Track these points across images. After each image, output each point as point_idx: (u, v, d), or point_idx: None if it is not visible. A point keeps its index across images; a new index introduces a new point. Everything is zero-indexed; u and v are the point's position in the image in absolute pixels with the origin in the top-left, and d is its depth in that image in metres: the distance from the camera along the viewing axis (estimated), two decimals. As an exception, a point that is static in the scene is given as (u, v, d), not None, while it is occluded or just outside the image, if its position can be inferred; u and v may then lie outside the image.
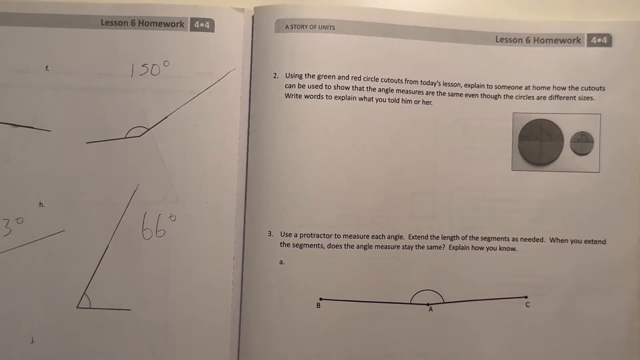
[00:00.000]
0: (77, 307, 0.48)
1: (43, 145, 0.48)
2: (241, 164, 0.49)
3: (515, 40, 0.49)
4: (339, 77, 0.48)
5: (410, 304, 0.48)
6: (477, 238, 0.49)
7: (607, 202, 0.49)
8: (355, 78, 0.48)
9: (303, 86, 0.48)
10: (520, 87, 0.49)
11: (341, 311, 0.48)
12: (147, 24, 0.49)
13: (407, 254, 0.48)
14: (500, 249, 0.49)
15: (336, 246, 0.48)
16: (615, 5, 0.51)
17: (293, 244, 0.48)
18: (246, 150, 0.49)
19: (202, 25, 0.49)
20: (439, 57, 0.49)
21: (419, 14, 0.49)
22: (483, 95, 0.49)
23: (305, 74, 0.48)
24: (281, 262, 0.48)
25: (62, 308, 0.48)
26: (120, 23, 0.49)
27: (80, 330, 0.48)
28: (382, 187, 0.48)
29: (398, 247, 0.48)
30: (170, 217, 0.48)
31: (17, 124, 0.48)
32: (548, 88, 0.49)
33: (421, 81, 0.49)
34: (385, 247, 0.48)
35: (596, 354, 0.48)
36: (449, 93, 0.49)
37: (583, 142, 0.49)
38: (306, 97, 0.48)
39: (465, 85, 0.49)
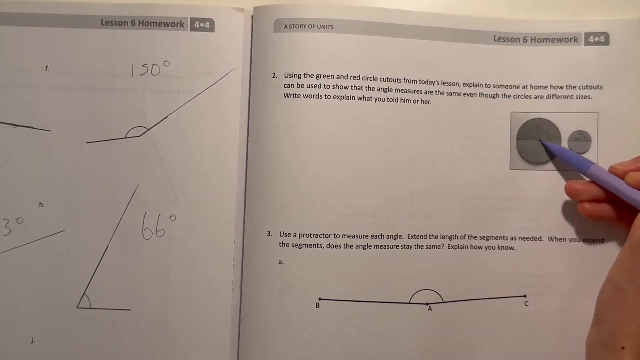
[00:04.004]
0: (77, 307, 0.48)
1: (43, 145, 0.48)
2: (241, 164, 0.49)
3: (512, 40, 0.50)
4: (338, 77, 0.48)
5: (410, 303, 0.48)
6: (475, 237, 0.49)
7: (606, 200, 0.49)
8: (354, 77, 0.48)
9: (302, 86, 0.48)
10: (518, 87, 0.50)
11: (340, 311, 0.48)
12: (147, 24, 0.49)
13: (406, 253, 0.48)
14: (498, 248, 0.49)
15: (335, 246, 0.48)
16: (612, 4, 0.51)
17: (292, 244, 0.48)
18: (246, 150, 0.49)
19: (202, 25, 0.49)
20: (437, 56, 0.49)
21: (418, 13, 0.49)
22: (481, 94, 0.49)
23: (304, 74, 0.48)
24: (280, 262, 0.48)
25: (62, 308, 0.48)
26: (120, 23, 0.49)
27: (80, 330, 0.48)
28: (381, 187, 0.48)
29: (397, 246, 0.48)
30: (170, 217, 0.48)
31: (17, 124, 0.48)
32: (546, 87, 0.49)
33: (420, 80, 0.49)
34: (384, 247, 0.48)
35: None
36: (447, 92, 0.49)
37: (581, 141, 0.49)
38: (305, 96, 0.48)
39: (463, 84, 0.49)
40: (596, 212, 0.46)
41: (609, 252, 0.48)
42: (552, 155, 0.49)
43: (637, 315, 0.40)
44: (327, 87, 0.48)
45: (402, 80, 0.49)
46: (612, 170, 0.46)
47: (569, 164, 0.48)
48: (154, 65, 0.49)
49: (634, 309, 0.41)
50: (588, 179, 0.47)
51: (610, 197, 0.46)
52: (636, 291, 0.41)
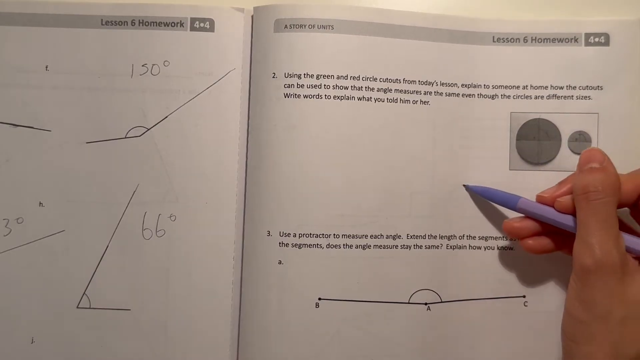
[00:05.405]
0: (77, 307, 0.48)
1: (43, 145, 0.48)
2: (241, 164, 0.49)
3: (512, 40, 0.50)
4: (338, 77, 0.48)
5: (409, 303, 0.48)
6: (474, 237, 0.49)
7: (605, 200, 0.49)
8: (353, 78, 0.48)
9: (302, 86, 0.48)
10: (517, 87, 0.49)
11: (340, 311, 0.48)
12: (147, 24, 0.49)
13: (405, 253, 0.48)
14: (498, 248, 0.49)
15: (335, 246, 0.48)
16: (612, 5, 0.51)
17: (292, 244, 0.48)
18: (246, 150, 0.49)
19: (202, 25, 0.49)
20: (436, 57, 0.49)
21: (417, 14, 0.49)
22: (480, 95, 0.50)
23: (304, 74, 0.48)
24: (280, 262, 0.48)
25: (62, 308, 0.48)
26: (120, 23, 0.49)
27: (80, 330, 0.48)
28: (381, 187, 0.48)
29: (396, 246, 0.48)
30: (170, 217, 0.48)
31: (17, 124, 0.48)
32: (545, 87, 0.49)
33: (419, 81, 0.49)
34: (384, 247, 0.48)
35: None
36: (446, 93, 0.49)
37: (581, 142, 0.49)
38: (305, 96, 0.48)
39: (462, 85, 0.49)
40: (540, 247, 0.46)
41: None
42: (552, 156, 0.49)
43: (602, 344, 0.40)
44: (327, 87, 0.48)
45: (402, 81, 0.49)
46: (540, 200, 0.46)
47: (497, 203, 0.48)
48: (154, 65, 0.49)
49: (597, 338, 0.40)
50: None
51: (549, 227, 0.46)
52: (595, 320, 0.40)
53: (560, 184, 0.46)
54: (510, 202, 0.47)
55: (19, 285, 0.48)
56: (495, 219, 0.49)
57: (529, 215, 0.46)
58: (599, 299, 0.40)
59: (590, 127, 0.49)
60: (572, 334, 0.42)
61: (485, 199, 0.49)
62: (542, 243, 0.46)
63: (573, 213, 0.43)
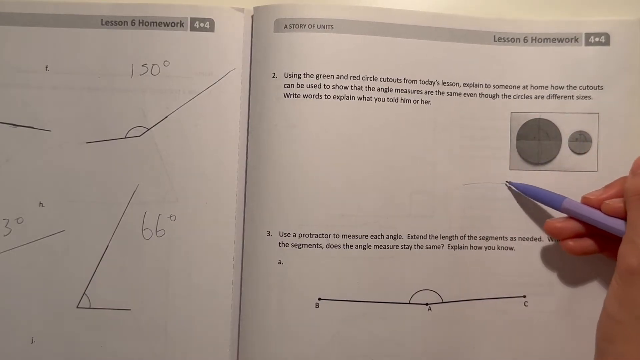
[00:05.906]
0: (77, 307, 0.48)
1: (43, 145, 0.48)
2: (241, 164, 0.49)
3: (513, 40, 0.50)
4: (338, 77, 0.48)
5: (409, 303, 0.48)
6: (475, 237, 0.49)
7: (605, 201, 0.49)
8: (354, 77, 0.48)
9: (302, 86, 0.48)
10: (518, 87, 0.49)
11: (340, 311, 0.48)
12: (147, 24, 0.49)
13: (405, 253, 0.48)
14: (498, 248, 0.49)
15: (335, 246, 0.48)
16: (612, 4, 0.51)
17: (292, 244, 0.48)
18: (246, 150, 0.49)
19: (202, 25, 0.49)
20: (437, 56, 0.49)
21: (417, 13, 0.49)
22: (481, 94, 0.49)
23: (304, 74, 0.48)
24: (280, 262, 0.48)
25: (62, 308, 0.48)
26: (120, 23, 0.49)
27: (80, 330, 0.48)
28: (381, 187, 0.48)
29: (397, 246, 0.48)
30: (170, 217, 0.48)
31: (17, 124, 0.48)
32: (546, 87, 0.49)
33: (420, 81, 0.49)
34: (384, 247, 0.48)
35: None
36: (447, 92, 0.49)
37: (581, 142, 0.49)
38: (305, 96, 0.48)
39: (463, 84, 0.49)
40: (580, 248, 0.46)
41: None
42: (553, 156, 0.49)
43: (637, 346, 0.39)
44: (327, 87, 0.48)
45: (402, 81, 0.49)
46: (585, 201, 0.46)
47: (541, 202, 0.48)
48: (154, 65, 0.49)
49: (633, 339, 0.39)
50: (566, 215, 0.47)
51: (591, 229, 0.46)
52: (632, 321, 0.40)
53: (607, 187, 0.46)
54: (555, 201, 0.47)
55: (19, 285, 0.48)
56: (496, 219, 0.49)
57: (572, 216, 0.46)
58: None
59: (591, 127, 0.49)
60: (608, 334, 0.41)
61: (528, 197, 0.49)
62: (584, 245, 0.46)
63: (620, 216, 0.43)
